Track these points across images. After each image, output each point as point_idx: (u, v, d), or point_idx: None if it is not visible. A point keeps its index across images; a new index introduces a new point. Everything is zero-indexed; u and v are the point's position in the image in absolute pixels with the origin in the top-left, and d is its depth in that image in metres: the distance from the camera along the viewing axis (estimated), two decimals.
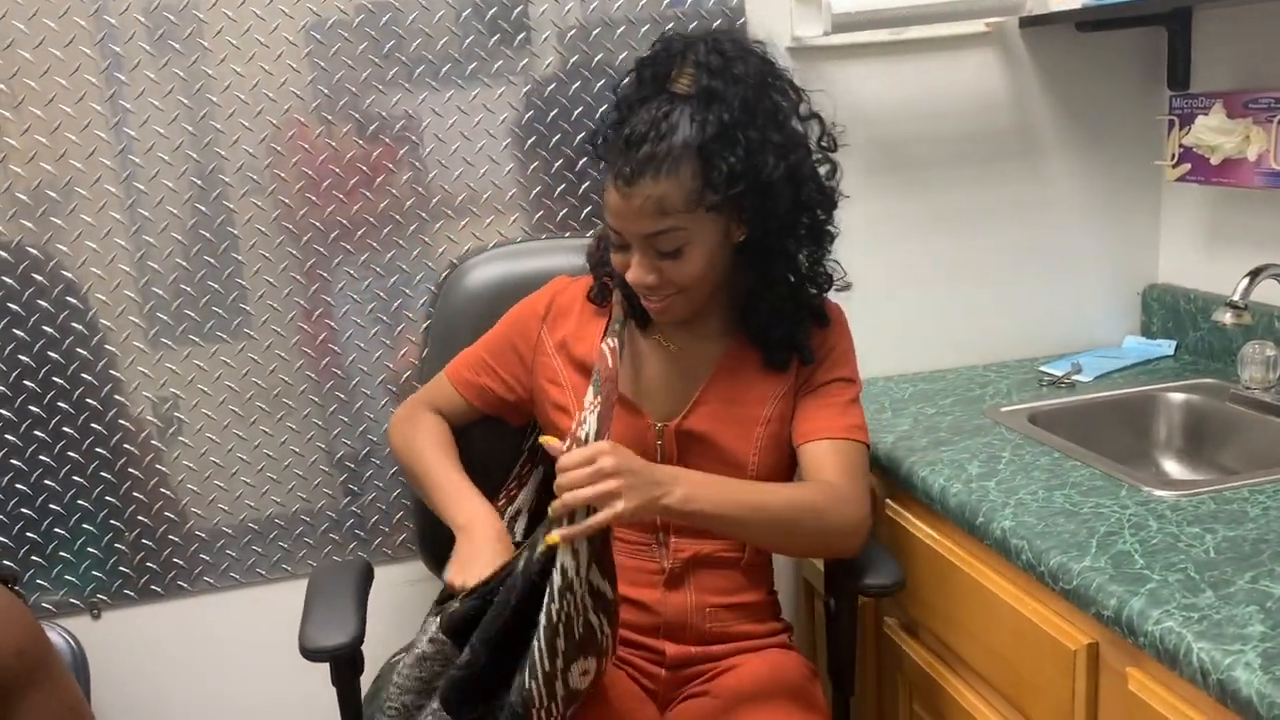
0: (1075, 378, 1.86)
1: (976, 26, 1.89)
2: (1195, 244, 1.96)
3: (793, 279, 1.39)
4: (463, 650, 1.24)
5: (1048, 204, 1.99)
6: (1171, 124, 1.89)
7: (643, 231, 1.28)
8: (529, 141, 1.77)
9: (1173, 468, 1.73)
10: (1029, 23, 1.89)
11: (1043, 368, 1.93)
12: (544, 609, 1.18)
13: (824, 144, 1.39)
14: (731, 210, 1.30)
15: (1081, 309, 2.05)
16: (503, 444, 1.56)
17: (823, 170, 1.39)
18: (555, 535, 1.17)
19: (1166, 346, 1.97)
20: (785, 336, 1.40)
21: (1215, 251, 1.92)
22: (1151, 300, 2.03)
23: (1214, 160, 1.79)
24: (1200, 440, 1.72)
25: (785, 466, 1.43)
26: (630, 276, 1.33)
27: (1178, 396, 1.75)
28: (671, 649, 1.41)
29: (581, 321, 1.46)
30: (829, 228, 1.40)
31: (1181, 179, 1.89)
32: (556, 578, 1.17)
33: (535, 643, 1.18)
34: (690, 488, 1.24)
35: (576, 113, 1.78)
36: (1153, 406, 1.76)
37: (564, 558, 1.17)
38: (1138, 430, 1.76)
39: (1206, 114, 1.80)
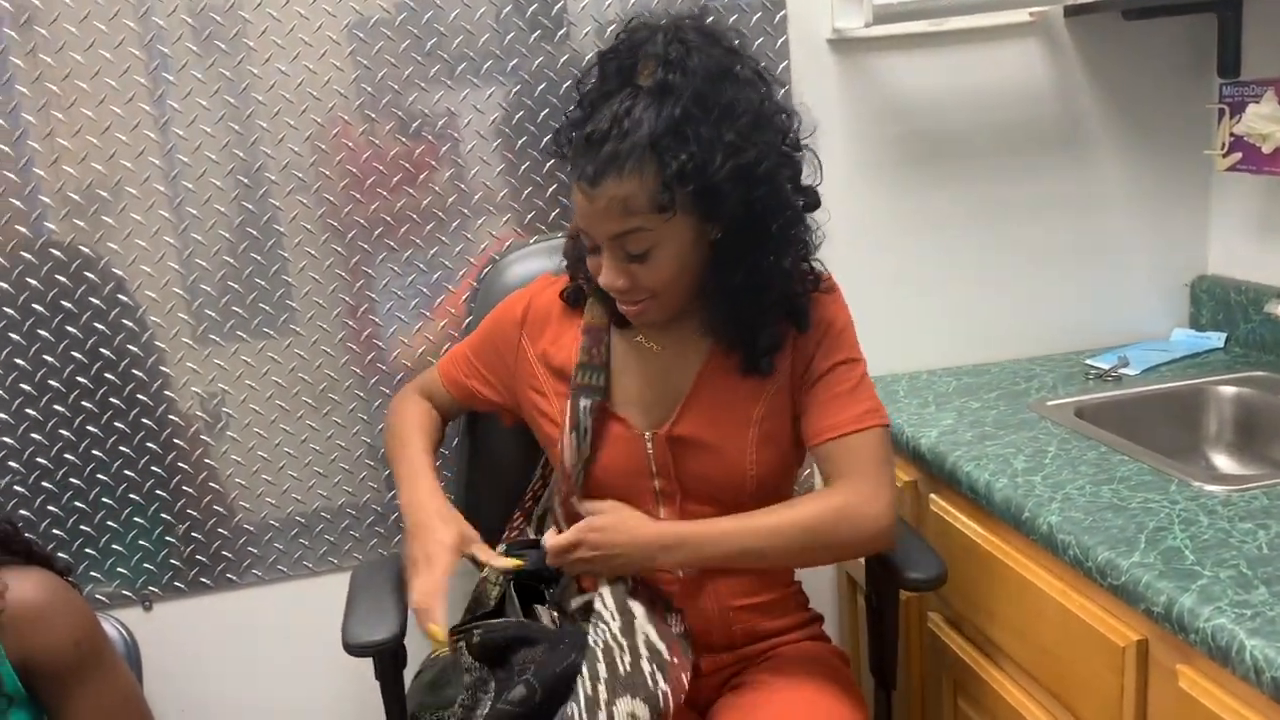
0: (1122, 371, 1.84)
1: (1020, 16, 1.86)
2: (1246, 234, 1.93)
3: (758, 284, 1.28)
4: (496, 673, 1.31)
5: (1094, 195, 1.97)
6: (1221, 112, 1.86)
7: (609, 233, 1.23)
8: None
9: (1223, 462, 1.70)
10: (1074, 11, 1.86)
11: (1089, 361, 1.90)
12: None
13: (788, 143, 1.29)
14: (702, 210, 1.22)
15: (1128, 301, 2.02)
16: (521, 450, 1.59)
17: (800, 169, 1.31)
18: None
19: (1216, 339, 1.94)
20: (751, 340, 1.33)
21: (1267, 242, 1.89)
22: (1200, 292, 2.00)
23: (1265, 149, 1.75)
24: (1251, 435, 1.69)
25: (787, 462, 1.40)
26: (601, 280, 1.29)
27: (1229, 390, 1.72)
28: (706, 662, 1.40)
29: (560, 328, 1.43)
30: (797, 232, 1.30)
31: (1232, 168, 1.85)
32: (597, 605, 1.29)
33: (582, 666, 1.26)
34: (684, 552, 1.32)
35: None
36: (1202, 400, 1.73)
37: (600, 591, 1.31)
38: (1187, 424, 1.73)
39: (1258, 102, 1.76)
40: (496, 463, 1.65)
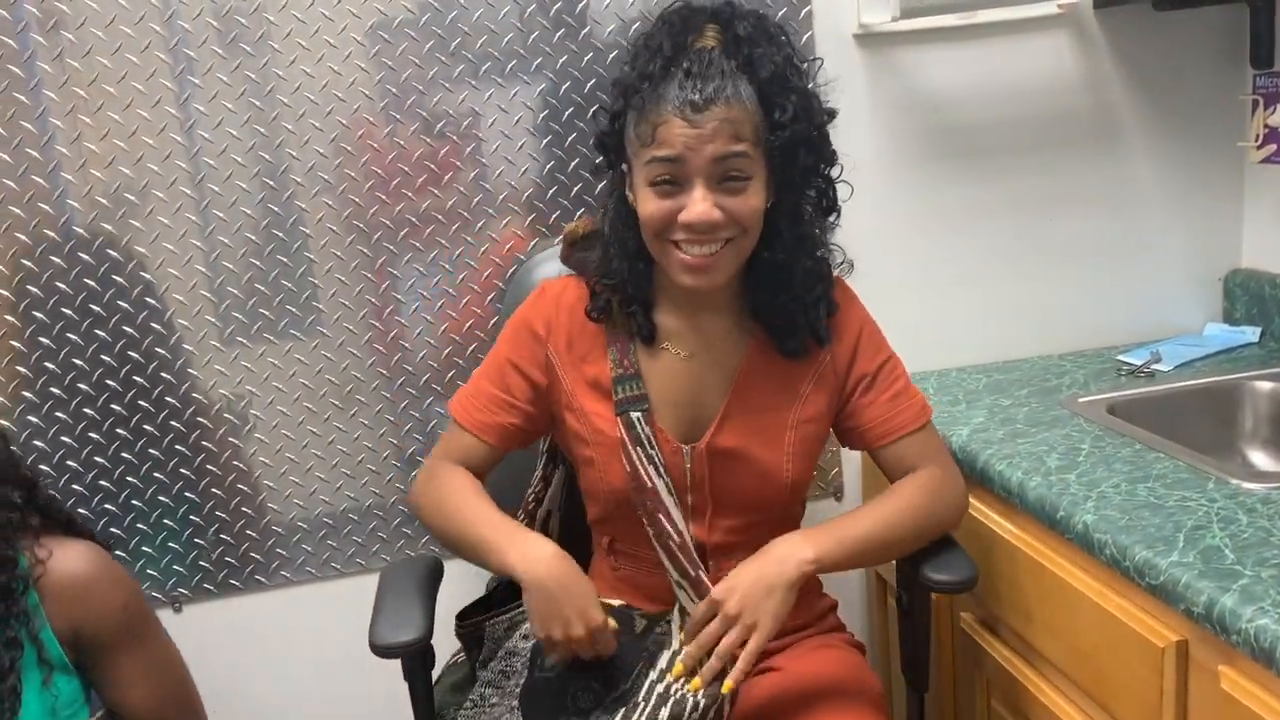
0: (1155, 367, 1.81)
1: (1049, 8, 1.83)
2: None
3: (809, 252, 1.35)
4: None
5: (1125, 188, 1.94)
6: (1255, 104, 1.83)
7: (715, 153, 1.22)
8: (594, 135, 1.77)
9: (1260, 459, 1.67)
10: (1104, 3, 1.84)
11: (1121, 356, 1.88)
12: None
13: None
14: (778, 161, 1.27)
15: (1160, 296, 2.00)
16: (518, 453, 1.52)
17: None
18: (729, 683, 1.23)
19: (1251, 334, 1.91)
20: (802, 317, 1.35)
21: None
22: (1234, 286, 1.97)
23: None
24: None
25: (813, 462, 1.42)
26: (694, 214, 1.23)
27: (1265, 385, 1.69)
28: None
29: (585, 338, 1.39)
30: (837, 195, 1.37)
31: (1266, 160, 1.83)
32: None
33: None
34: (814, 548, 1.27)
35: None
36: (1238, 396, 1.71)
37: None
38: (1222, 420, 1.71)
39: None
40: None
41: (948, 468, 1.40)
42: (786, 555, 1.26)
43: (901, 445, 1.38)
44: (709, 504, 1.37)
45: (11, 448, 1.35)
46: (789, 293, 1.34)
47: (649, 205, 1.26)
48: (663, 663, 1.29)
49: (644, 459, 1.33)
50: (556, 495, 1.57)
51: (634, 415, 1.33)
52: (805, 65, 1.31)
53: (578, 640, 1.24)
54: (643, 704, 1.25)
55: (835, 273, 1.41)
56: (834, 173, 1.34)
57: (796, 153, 1.28)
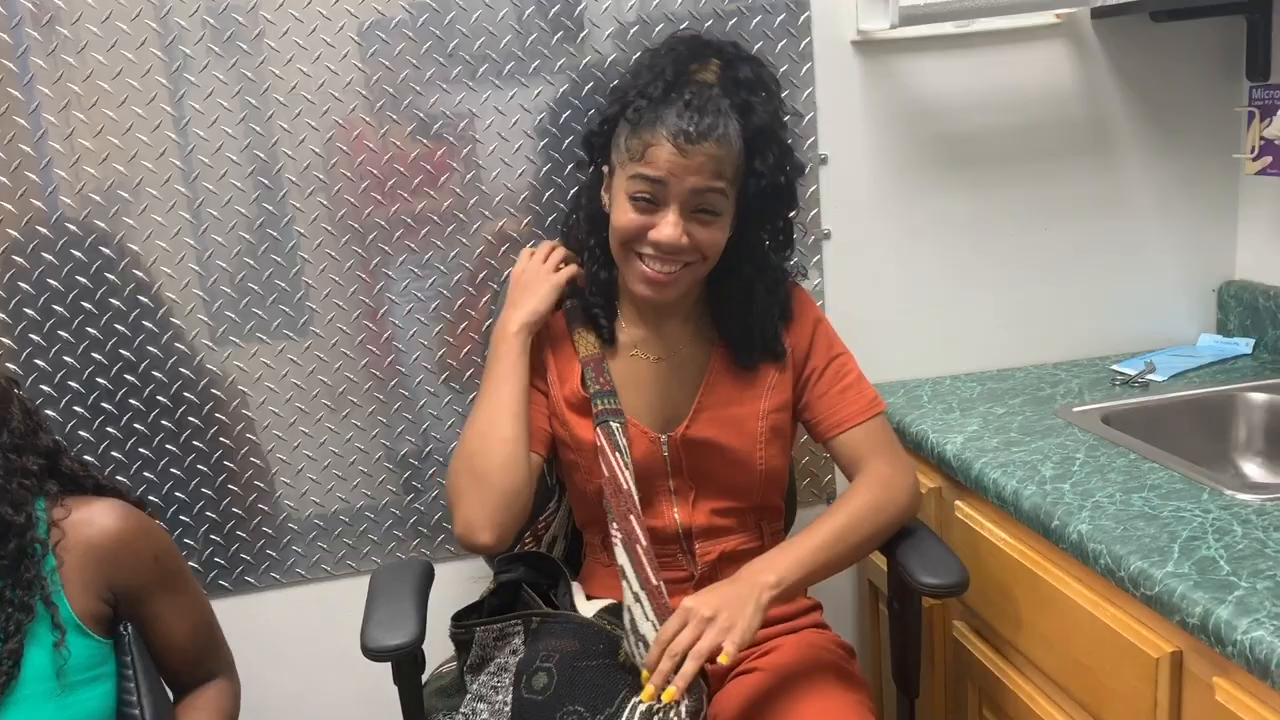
0: (1149, 377, 1.81)
1: (1046, 18, 1.85)
2: (1275, 239, 1.90)
3: (766, 280, 1.44)
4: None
5: (1120, 199, 1.94)
6: (1251, 115, 1.83)
7: (695, 186, 1.30)
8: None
9: (1253, 471, 1.67)
10: (1101, 13, 1.84)
11: (1115, 366, 1.88)
12: None
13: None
14: (748, 204, 1.36)
15: (1154, 306, 2.00)
16: None
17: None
18: (670, 690, 1.20)
19: (1244, 345, 1.91)
20: (759, 336, 1.44)
21: None
22: (1228, 297, 1.97)
23: None
24: None
25: (787, 450, 1.50)
26: (663, 235, 1.32)
27: (1259, 397, 1.70)
28: None
29: (563, 358, 1.47)
30: (793, 238, 1.47)
31: (1261, 172, 1.83)
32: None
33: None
34: (774, 572, 1.29)
35: None
36: (1232, 407, 1.71)
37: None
38: (1216, 432, 1.71)
39: None
40: None
41: (895, 461, 1.43)
42: (751, 580, 1.29)
43: (851, 436, 1.44)
44: (692, 488, 1.44)
45: (34, 417, 1.37)
46: (748, 313, 1.44)
47: (625, 215, 1.34)
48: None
49: (621, 464, 1.39)
50: (563, 524, 1.61)
51: (614, 425, 1.40)
52: (788, 118, 1.43)
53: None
54: None
55: (790, 279, 1.50)
56: (793, 216, 1.45)
57: (766, 199, 1.37)
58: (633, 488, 1.38)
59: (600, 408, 1.41)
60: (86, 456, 1.68)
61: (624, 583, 1.34)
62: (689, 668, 1.21)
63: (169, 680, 1.44)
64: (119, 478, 1.71)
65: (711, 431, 1.43)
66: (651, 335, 1.46)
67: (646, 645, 1.28)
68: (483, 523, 1.36)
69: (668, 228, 1.32)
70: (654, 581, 1.34)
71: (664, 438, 1.43)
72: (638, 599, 1.33)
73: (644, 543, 1.36)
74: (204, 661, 1.47)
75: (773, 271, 1.45)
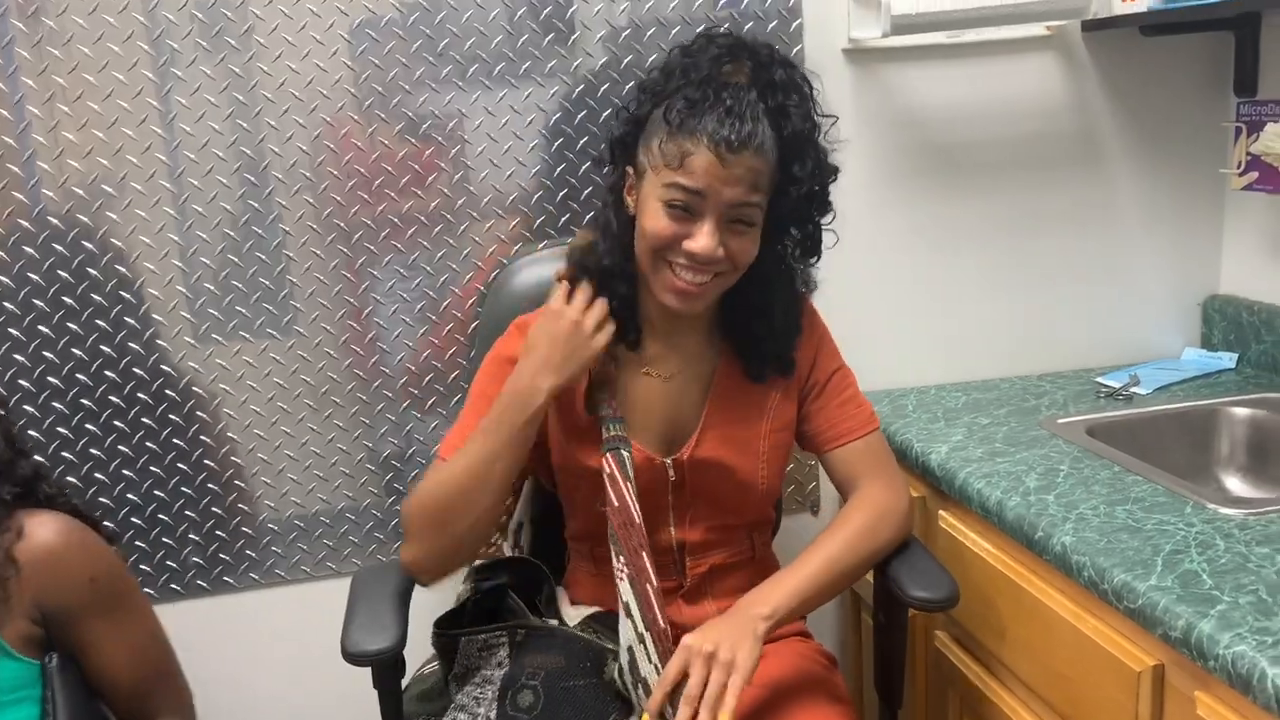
0: (1133, 390, 1.82)
1: (1037, 30, 1.85)
2: (1260, 254, 1.91)
3: (791, 289, 1.41)
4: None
5: (1107, 211, 1.95)
6: (1238, 131, 1.84)
7: (734, 198, 1.26)
8: (580, 141, 1.76)
9: (1236, 485, 1.68)
10: (1092, 26, 1.85)
11: (1100, 379, 1.89)
12: None
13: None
14: (780, 213, 1.33)
15: (1139, 319, 2.01)
16: None
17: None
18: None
19: (1228, 359, 1.92)
20: (772, 348, 1.40)
21: None
22: (1213, 311, 1.98)
23: None
24: (1265, 457, 1.67)
25: (785, 467, 1.48)
26: (698, 245, 1.26)
27: (1242, 411, 1.70)
28: None
29: None
30: (821, 244, 1.41)
31: (1247, 187, 1.84)
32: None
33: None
34: (768, 605, 1.27)
35: None
36: (1215, 421, 1.71)
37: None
38: (1199, 445, 1.71)
39: (1276, 120, 1.75)
40: None
41: (891, 481, 1.42)
42: (746, 612, 1.27)
43: (847, 450, 1.43)
44: (690, 506, 1.42)
45: (15, 444, 1.31)
46: (765, 324, 1.39)
47: (658, 222, 1.28)
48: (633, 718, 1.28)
49: (631, 494, 1.34)
50: (528, 507, 1.58)
51: (624, 454, 1.36)
52: (823, 120, 1.35)
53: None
54: None
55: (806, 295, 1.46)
56: (825, 221, 1.39)
57: (800, 207, 1.34)
58: (642, 521, 1.34)
59: (610, 434, 1.37)
60: (69, 478, 1.68)
61: (627, 620, 1.30)
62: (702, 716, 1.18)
63: (116, 712, 1.36)
64: (97, 474, 1.70)
65: (717, 452, 1.40)
66: (666, 351, 1.41)
67: (646, 687, 1.26)
68: (430, 569, 1.37)
69: (704, 238, 1.26)
70: (661, 625, 1.30)
71: (669, 461, 1.39)
72: (641, 640, 1.29)
73: (655, 582, 1.32)
74: (148, 697, 1.38)
75: (792, 278, 1.41)
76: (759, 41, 1.35)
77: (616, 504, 1.34)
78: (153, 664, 1.38)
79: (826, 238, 1.39)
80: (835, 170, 1.37)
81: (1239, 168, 1.85)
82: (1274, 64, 1.82)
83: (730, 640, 1.22)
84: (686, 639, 1.24)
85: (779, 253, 1.38)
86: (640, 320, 1.40)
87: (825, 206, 1.38)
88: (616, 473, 1.34)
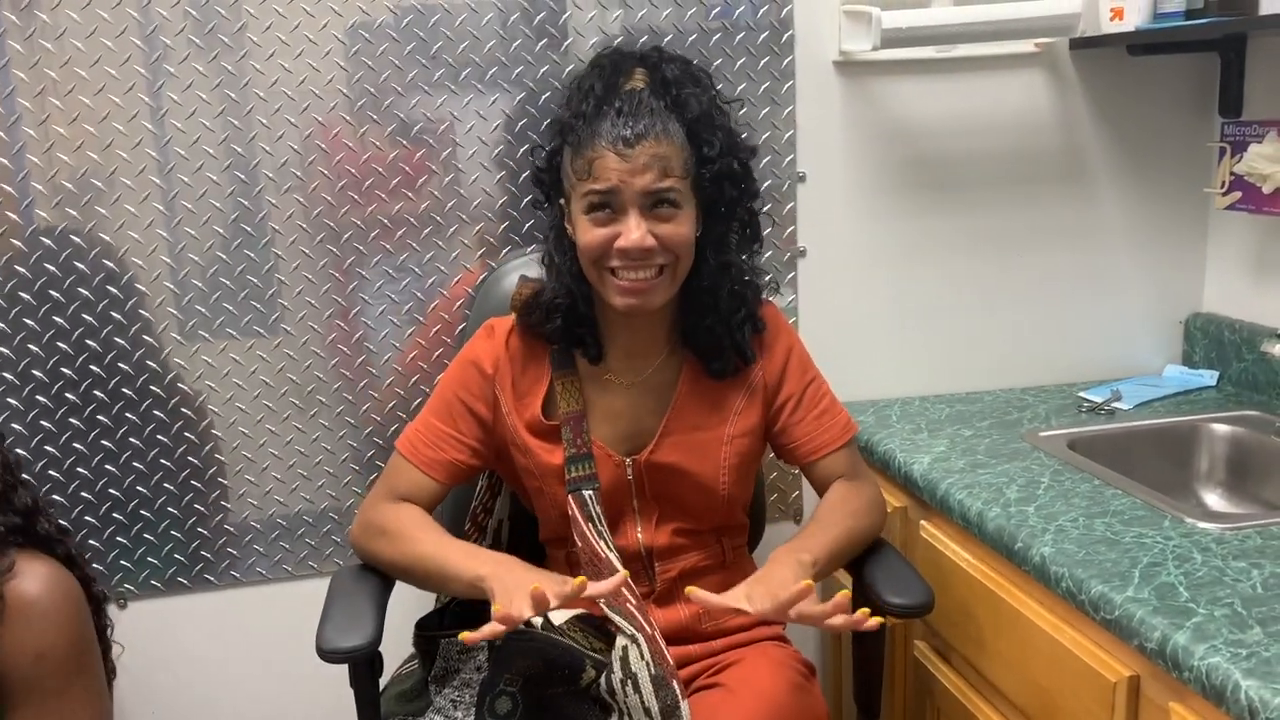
0: (1115, 405, 1.83)
1: (1026, 46, 1.87)
2: (1242, 273, 1.93)
3: (734, 278, 1.42)
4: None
5: (1092, 228, 1.97)
6: (1222, 151, 1.86)
7: (646, 187, 1.30)
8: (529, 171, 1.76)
9: (1214, 500, 1.69)
10: (1079, 44, 1.87)
11: (1082, 393, 1.90)
12: None
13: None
14: (708, 193, 1.37)
15: (1122, 335, 2.02)
16: None
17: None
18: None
19: (1209, 377, 1.94)
20: (728, 339, 1.42)
21: (1263, 282, 1.89)
22: (1195, 329, 2.00)
23: (1266, 189, 1.76)
24: (1243, 474, 1.69)
25: (751, 474, 1.51)
26: (629, 241, 1.30)
27: (1222, 428, 1.72)
28: (673, 651, 1.40)
29: (526, 379, 1.44)
30: (760, 228, 1.46)
31: (1230, 207, 1.86)
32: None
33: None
34: (810, 553, 1.33)
35: None
36: (1195, 437, 1.73)
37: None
38: (1179, 461, 1.73)
39: (1260, 141, 1.77)
40: None
41: (868, 482, 1.49)
42: (790, 556, 1.32)
43: (828, 461, 1.47)
44: (655, 509, 1.44)
45: (14, 473, 1.26)
46: (715, 316, 1.41)
47: (587, 234, 1.33)
48: None
49: (595, 534, 1.39)
50: (506, 504, 1.59)
51: (586, 494, 1.40)
52: (728, 106, 1.43)
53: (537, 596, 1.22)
54: None
55: (763, 295, 1.48)
56: (756, 205, 1.44)
57: (723, 186, 1.38)
58: (612, 555, 1.38)
59: (574, 475, 1.40)
60: (51, 472, 1.67)
61: (618, 625, 1.33)
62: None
63: None
64: (79, 468, 1.70)
65: (675, 457, 1.42)
66: (627, 362, 1.44)
67: (635, 683, 1.27)
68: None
69: (632, 232, 1.30)
70: (649, 630, 1.33)
71: (629, 461, 1.42)
72: (634, 640, 1.32)
73: (634, 600, 1.35)
74: None
75: (738, 267, 1.42)
76: (648, 48, 1.44)
77: (580, 544, 1.39)
78: None
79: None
80: (751, 149, 1.43)
81: (1223, 187, 1.86)
82: (1259, 85, 1.84)
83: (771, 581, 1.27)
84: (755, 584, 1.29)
85: (717, 241, 1.40)
86: (601, 336, 1.43)
87: (751, 188, 1.42)
88: (579, 514, 1.39)
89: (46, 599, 1.21)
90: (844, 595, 1.22)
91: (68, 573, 1.26)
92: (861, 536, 1.43)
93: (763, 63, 1.79)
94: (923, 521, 1.60)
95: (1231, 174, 1.84)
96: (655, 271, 1.33)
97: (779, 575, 1.27)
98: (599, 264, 1.34)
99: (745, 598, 1.25)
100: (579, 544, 1.40)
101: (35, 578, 1.21)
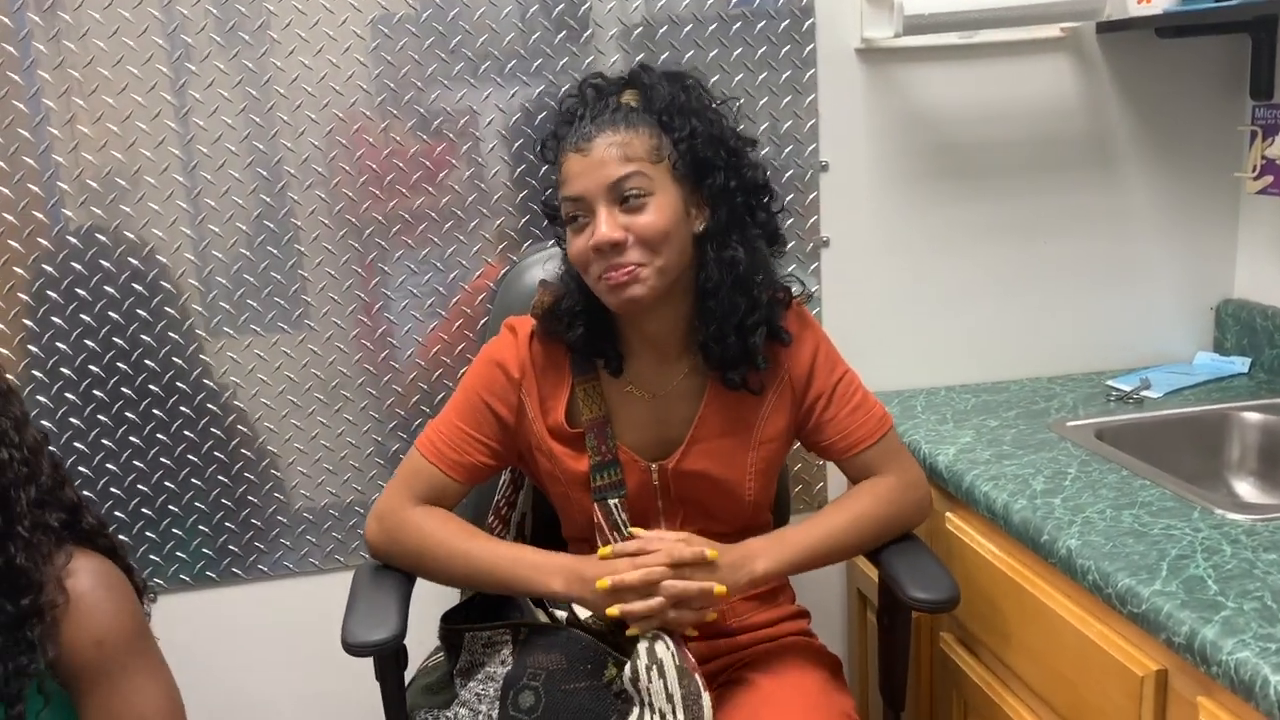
0: (1144, 393, 1.81)
1: (1051, 31, 1.84)
2: (1275, 259, 1.90)
3: (748, 277, 1.34)
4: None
5: (1120, 214, 1.94)
6: (1254, 135, 1.83)
7: (608, 179, 1.27)
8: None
9: (1246, 490, 1.67)
10: (1106, 28, 1.84)
11: (1110, 382, 1.88)
12: None
13: (761, 173, 1.40)
14: (690, 187, 1.32)
15: (1151, 323, 2.00)
16: None
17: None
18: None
19: (1240, 364, 1.91)
20: (737, 346, 1.35)
21: None
22: (1226, 316, 1.97)
23: None
24: (1276, 463, 1.66)
25: (774, 478, 1.49)
26: (596, 237, 1.27)
27: (1254, 416, 1.69)
28: (699, 646, 1.40)
29: (547, 382, 1.41)
30: (778, 226, 1.41)
31: (1262, 191, 1.83)
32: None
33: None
34: (765, 561, 1.33)
35: None
36: (1226, 426, 1.70)
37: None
38: (1209, 450, 1.70)
39: None
40: None
41: (906, 473, 1.44)
42: (743, 563, 1.33)
43: (865, 456, 1.43)
44: (680, 511, 1.43)
45: (61, 470, 1.28)
46: (723, 316, 1.34)
47: (573, 245, 1.32)
48: (633, 717, 1.28)
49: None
50: (529, 498, 1.59)
51: (612, 503, 1.39)
52: (718, 104, 1.38)
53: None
54: None
55: (795, 299, 1.44)
56: (769, 203, 1.39)
57: (709, 173, 1.32)
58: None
59: (599, 483, 1.39)
60: (81, 468, 1.69)
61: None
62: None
63: None
64: (108, 464, 1.72)
65: (703, 464, 1.41)
66: (649, 372, 1.41)
67: (660, 669, 1.27)
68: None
69: (600, 226, 1.27)
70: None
71: (654, 467, 1.40)
72: (658, 635, 1.31)
73: None
74: None
75: (746, 263, 1.34)
76: (632, 70, 1.38)
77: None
78: None
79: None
80: (741, 138, 1.37)
81: (1254, 172, 1.83)
82: None
83: (720, 573, 1.29)
84: (676, 535, 1.32)
85: (719, 238, 1.33)
86: (621, 346, 1.40)
87: (748, 179, 1.35)
88: (604, 523, 1.39)
89: (101, 589, 1.25)
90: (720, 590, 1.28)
91: (112, 563, 1.30)
92: (872, 537, 1.41)
93: (784, 51, 1.78)
94: (948, 514, 1.59)
95: (1263, 158, 1.81)
96: (635, 265, 1.28)
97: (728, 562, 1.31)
98: (590, 272, 1.31)
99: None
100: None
101: (86, 572, 1.24)
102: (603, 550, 1.29)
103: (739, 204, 1.35)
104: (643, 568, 1.27)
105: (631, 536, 1.36)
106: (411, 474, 1.42)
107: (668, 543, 1.30)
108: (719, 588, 1.28)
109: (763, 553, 1.34)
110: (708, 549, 1.29)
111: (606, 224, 1.27)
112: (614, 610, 1.27)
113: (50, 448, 1.29)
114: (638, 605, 1.27)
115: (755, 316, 1.36)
